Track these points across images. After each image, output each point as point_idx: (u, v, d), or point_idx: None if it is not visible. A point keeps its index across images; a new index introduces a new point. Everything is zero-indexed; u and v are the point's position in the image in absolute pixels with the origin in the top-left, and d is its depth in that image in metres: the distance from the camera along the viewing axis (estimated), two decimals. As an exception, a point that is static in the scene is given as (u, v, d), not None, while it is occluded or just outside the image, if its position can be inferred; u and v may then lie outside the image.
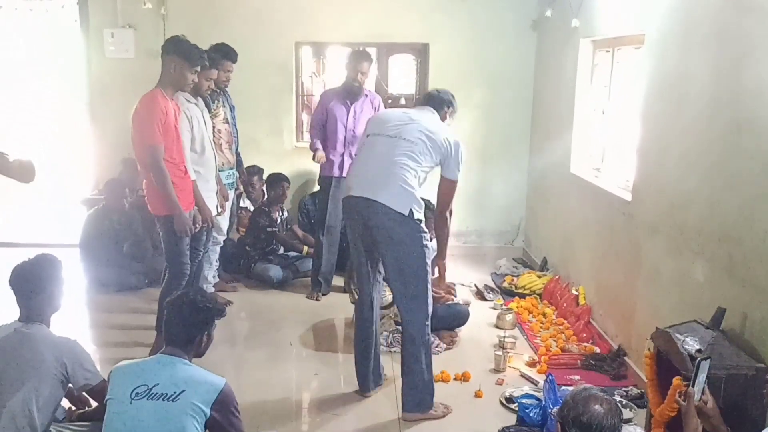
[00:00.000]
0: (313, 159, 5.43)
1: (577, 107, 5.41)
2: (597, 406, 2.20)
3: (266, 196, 6.13)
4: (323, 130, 5.41)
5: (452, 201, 3.83)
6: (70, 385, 2.91)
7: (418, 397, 3.69)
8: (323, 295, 5.56)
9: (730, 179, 3.20)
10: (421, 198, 3.63)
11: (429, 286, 3.68)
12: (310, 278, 5.69)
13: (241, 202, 6.17)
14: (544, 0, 6.10)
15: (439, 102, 3.89)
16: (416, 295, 3.61)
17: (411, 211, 3.55)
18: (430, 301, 3.70)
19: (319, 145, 5.41)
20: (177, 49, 4.02)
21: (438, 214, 3.91)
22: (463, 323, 4.82)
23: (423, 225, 3.63)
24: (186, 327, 2.69)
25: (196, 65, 4.09)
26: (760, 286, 2.94)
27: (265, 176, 6.23)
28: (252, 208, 6.28)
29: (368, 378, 3.95)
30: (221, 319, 2.84)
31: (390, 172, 3.57)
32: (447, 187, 3.79)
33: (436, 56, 6.56)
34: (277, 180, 6.00)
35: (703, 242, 3.42)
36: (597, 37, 5.12)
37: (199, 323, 2.70)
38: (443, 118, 3.88)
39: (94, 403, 3.05)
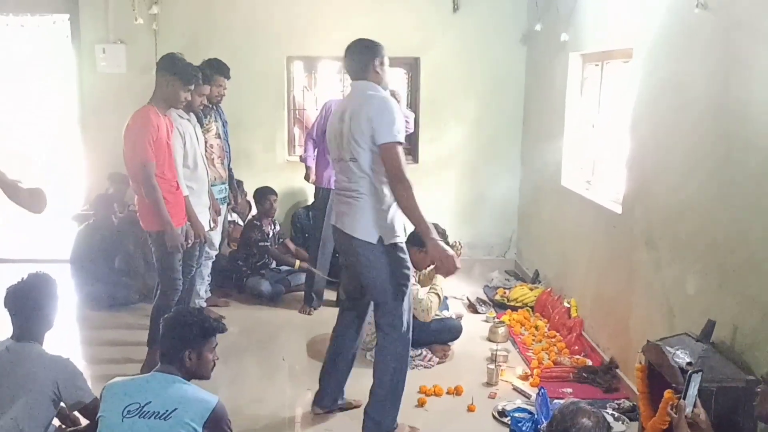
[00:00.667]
0: (306, 179, 5.47)
1: (567, 120, 5.45)
2: (585, 420, 2.22)
3: (255, 211, 6.11)
4: (321, 140, 5.40)
5: (401, 167, 3.25)
6: (62, 404, 2.90)
7: (378, 418, 3.57)
8: (315, 309, 5.56)
9: (722, 190, 3.22)
10: (433, 223, 3.39)
11: (406, 308, 3.55)
12: (302, 292, 5.67)
13: (229, 216, 6.16)
14: (533, 14, 6.16)
15: (363, 67, 3.46)
16: (390, 317, 3.51)
17: (380, 238, 3.39)
18: (406, 320, 3.56)
19: (311, 162, 5.44)
20: (172, 67, 4.04)
21: (391, 188, 3.33)
22: (456, 337, 4.80)
23: (400, 245, 3.47)
24: (178, 345, 2.68)
25: (190, 84, 4.11)
26: (751, 298, 2.96)
27: (246, 188, 6.21)
28: (239, 222, 6.27)
29: (327, 394, 3.86)
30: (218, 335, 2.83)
31: (351, 200, 3.43)
32: (387, 155, 3.26)
33: (427, 70, 6.60)
34: (264, 193, 5.96)
35: (694, 254, 3.44)
36: (586, 51, 5.16)
37: (191, 341, 2.69)
38: (375, 76, 3.46)
39: (84, 422, 3.04)
